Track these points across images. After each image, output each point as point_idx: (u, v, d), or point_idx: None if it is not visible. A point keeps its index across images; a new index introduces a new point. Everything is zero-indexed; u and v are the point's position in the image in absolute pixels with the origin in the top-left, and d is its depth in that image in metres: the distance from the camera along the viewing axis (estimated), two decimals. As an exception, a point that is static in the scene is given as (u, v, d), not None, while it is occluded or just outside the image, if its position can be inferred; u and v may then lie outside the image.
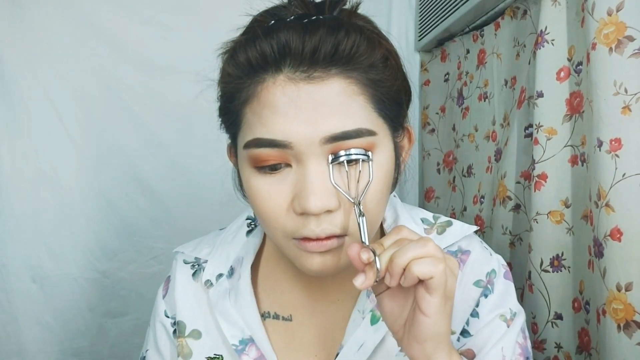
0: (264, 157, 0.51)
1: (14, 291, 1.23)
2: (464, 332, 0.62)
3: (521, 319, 0.63)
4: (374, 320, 0.61)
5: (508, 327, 0.61)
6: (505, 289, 0.64)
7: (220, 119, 0.58)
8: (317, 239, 0.51)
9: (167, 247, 1.31)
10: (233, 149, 0.59)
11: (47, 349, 1.26)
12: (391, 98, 0.54)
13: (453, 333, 0.61)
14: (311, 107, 0.49)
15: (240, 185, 0.60)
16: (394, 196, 0.68)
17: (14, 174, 1.23)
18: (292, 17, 0.52)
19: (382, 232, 0.66)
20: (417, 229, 0.65)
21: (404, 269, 0.45)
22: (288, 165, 0.52)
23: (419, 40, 1.43)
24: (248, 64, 0.51)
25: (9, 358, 1.24)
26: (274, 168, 0.52)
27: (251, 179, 0.53)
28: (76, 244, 1.28)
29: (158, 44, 1.29)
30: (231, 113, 0.55)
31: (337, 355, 0.60)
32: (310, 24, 0.50)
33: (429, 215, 0.69)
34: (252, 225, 0.70)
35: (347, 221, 0.52)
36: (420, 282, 0.46)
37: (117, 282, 1.30)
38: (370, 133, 0.51)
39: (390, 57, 0.55)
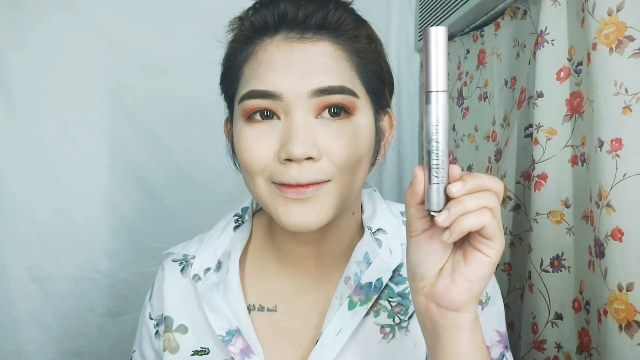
0: (256, 107, 0.56)
1: (13, 291, 1.23)
2: None
3: (498, 306, 0.64)
4: (351, 306, 0.62)
5: (482, 310, 0.63)
6: None
7: (221, 86, 0.63)
8: (297, 185, 0.54)
9: (167, 247, 1.30)
10: (229, 119, 0.63)
11: (46, 349, 1.26)
12: (374, 72, 0.59)
13: None
14: (302, 63, 0.55)
15: (233, 153, 0.64)
16: (374, 190, 0.71)
17: (14, 174, 1.23)
18: None
19: (361, 225, 0.68)
20: (395, 220, 0.68)
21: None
22: (277, 118, 0.56)
23: (419, 40, 1.42)
24: (252, 28, 0.58)
25: (8, 358, 1.23)
26: (263, 115, 0.56)
27: (242, 131, 0.57)
28: (76, 244, 1.28)
29: (158, 44, 1.29)
30: (232, 73, 0.60)
31: (317, 341, 0.61)
32: None
33: None
34: (240, 221, 0.72)
35: (330, 168, 0.55)
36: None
37: (116, 282, 1.30)
38: (353, 94, 0.56)
39: (375, 42, 0.61)
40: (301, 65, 0.55)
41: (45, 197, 1.25)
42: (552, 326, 0.89)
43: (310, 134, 0.54)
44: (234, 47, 0.61)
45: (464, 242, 0.45)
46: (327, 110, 0.56)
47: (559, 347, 0.89)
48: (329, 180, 0.56)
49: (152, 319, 0.70)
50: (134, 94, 1.29)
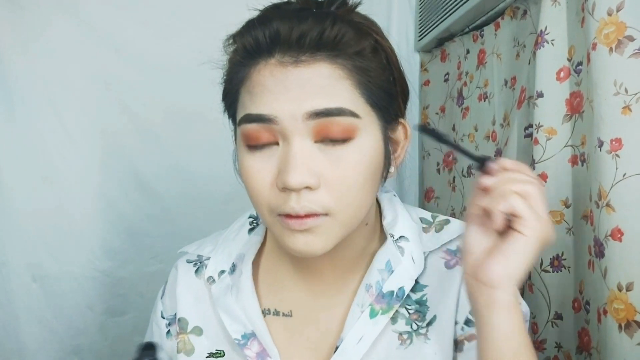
0: (253, 133, 0.55)
1: (14, 290, 1.23)
2: (468, 322, 0.62)
3: (523, 306, 0.63)
4: (372, 314, 0.61)
5: None
6: None
7: (223, 103, 0.62)
8: (297, 216, 0.54)
9: (167, 246, 1.31)
10: (234, 133, 0.62)
11: (47, 347, 1.26)
12: (380, 87, 0.56)
13: (456, 323, 0.62)
14: (298, 86, 0.52)
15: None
16: (394, 195, 0.70)
17: (14, 174, 1.23)
18: (287, 9, 0.56)
19: (381, 229, 0.67)
20: (416, 227, 0.67)
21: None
22: (276, 143, 0.55)
23: (419, 40, 1.43)
24: (244, 50, 0.56)
25: (9, 357, 1.24)
26: (262, 147, 0.55)
27: (243, 157, 0.57)
28: (76, 243, 1.28)
29: (158, 44, 1.29)
30: (230, 94, 0.59)
31: (336, 348, 0.61)
32: (301, 13, 0.54)
33: (427, 214, 0.69)
34: (254, 224, 0.71)
35: (329, 201, 0.54)
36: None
37: (117, 281, 1.30)
38: (353, 115, 0.53)
39: (381, 50, 0.57)
40: (297, 89, 0.52)
41: (45, 196, 1.25)
42: (552, 326, 0.90)
43: (307, 161, 0.53)
44: (230, 67, 0.59)
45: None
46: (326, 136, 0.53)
47: (559, 346, 0.90)
48: (326, 214, 0.54)
49: (164, 317, 0.70)
50: (134, 94, 1.29)
